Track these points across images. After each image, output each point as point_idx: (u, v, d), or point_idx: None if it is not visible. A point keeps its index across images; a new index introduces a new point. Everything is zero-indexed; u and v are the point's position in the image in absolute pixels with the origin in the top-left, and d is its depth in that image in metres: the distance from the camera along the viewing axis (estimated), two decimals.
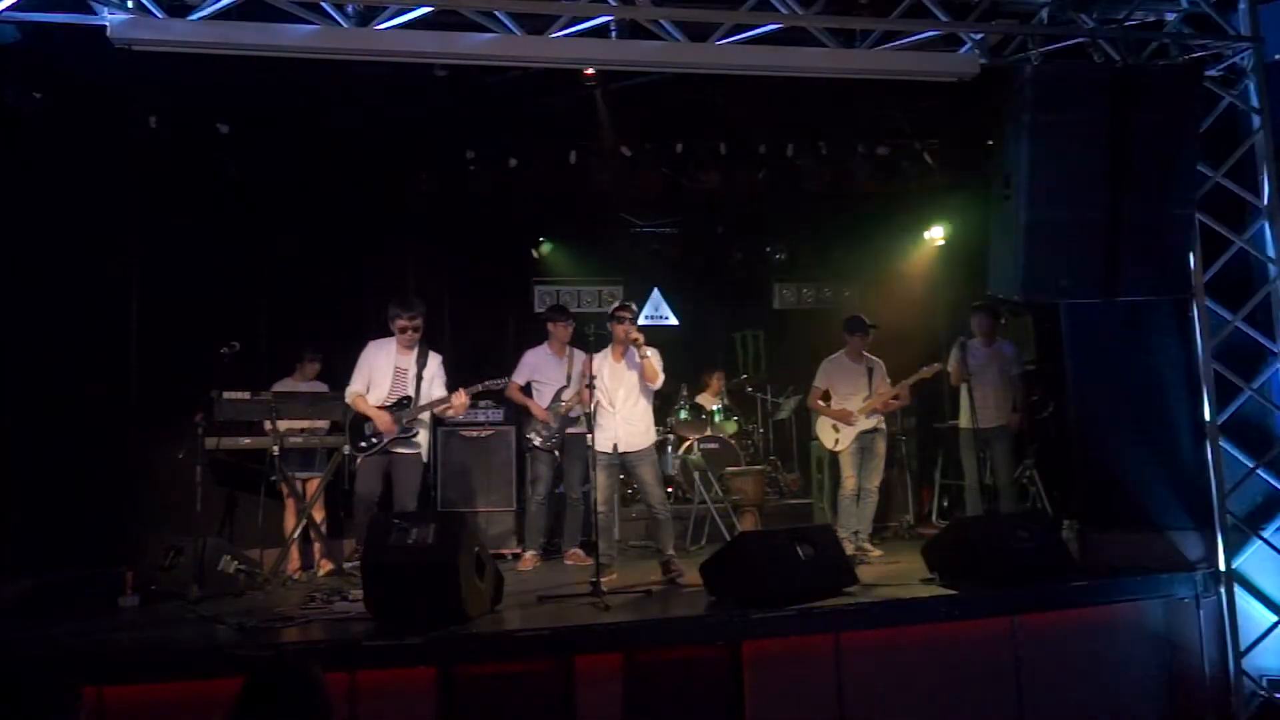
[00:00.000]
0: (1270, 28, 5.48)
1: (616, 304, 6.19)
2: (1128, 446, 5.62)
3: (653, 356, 5.87)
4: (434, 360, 5.95)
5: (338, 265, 8.02)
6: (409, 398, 5.80)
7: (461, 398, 5.81)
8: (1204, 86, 5.27)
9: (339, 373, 5.92)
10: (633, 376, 5.94)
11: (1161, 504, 5.50)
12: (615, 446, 5.79)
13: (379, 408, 5.75)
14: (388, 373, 5.84)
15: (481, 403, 7.50)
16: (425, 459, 5.96)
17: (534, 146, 7.88)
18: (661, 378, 5.94)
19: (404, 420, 5.75)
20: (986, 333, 6.97)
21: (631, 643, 4.38)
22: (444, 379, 5.95)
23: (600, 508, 5.67)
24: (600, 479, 5.74)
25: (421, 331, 5.89)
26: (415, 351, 5.88)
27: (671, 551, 5.84)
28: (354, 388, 5.85)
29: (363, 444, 5.79)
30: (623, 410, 5.86)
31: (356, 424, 5.87)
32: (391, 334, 5.88)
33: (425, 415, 5.87)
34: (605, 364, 5.97)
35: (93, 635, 4.59)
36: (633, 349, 5.90)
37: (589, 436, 5.79)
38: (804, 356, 8.83)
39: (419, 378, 5.81)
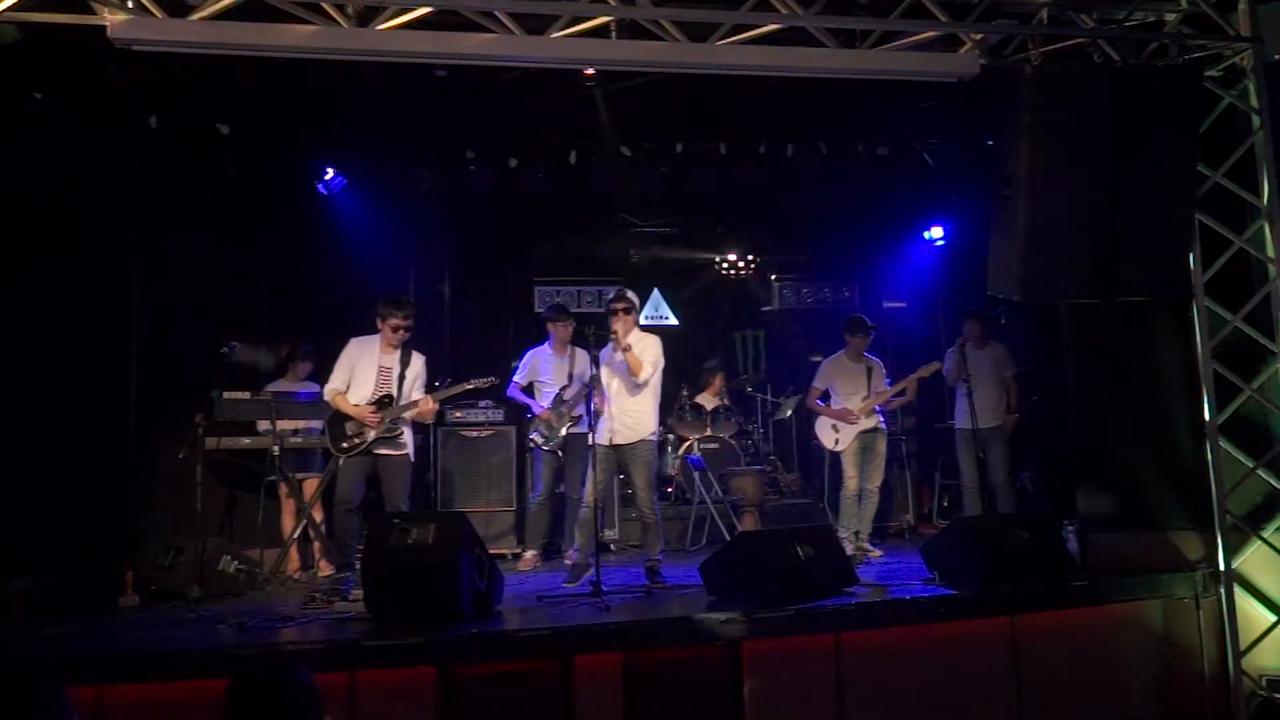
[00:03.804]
0: (1270, 28, 5.47)
1: (611, 294, 6.04)
2: (1128, 446, 5.62)
3: (638, 347, 5.71)
4: (417, 361, 5.75)
5: (337, 265, 8.01)
6: (390, 395, 5.61)
7: (429, 404, 5.61)
8: (1204, 86, 5.27)
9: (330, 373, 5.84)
10: (622, 370, 5.85)
11: (1161, 504, 5.50)
12: (611, 439, 5.72)
13: (359, 406, 5.56)
14: (371, 371, 5.64)
15: (481, 402, 7.50)
16: (413, 459, 5.76)
17: (534, 146, 7.87)
18: (646, 371, 5.74)
19: (386, 419, 5.54)
20: (978, 336, 7.07)
21: (631, 643, 4.38)
22: (425, 381, 5.76)
23: (586, 500, 5.63)
24: (591, 474, 5.65)
25: (411, 331, 5.71)
26: (399, 351, 5.69)
27: (658, 556, 5.76)
28: (334, 385, 5.60)
29: (344, 444, 5.55)
30: (617, 402, 5.79)
31: (336, 423, 5.60)
32: (375, 331, 5.69)
33: (408, 414, 5.65)
34: (607, 357, 5.90)
35: (93, 635, 4.59)
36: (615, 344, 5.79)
37: (589, 436, 5.77)
38: (804, 356, 8.86)
39: (402, 378, 5.64)
